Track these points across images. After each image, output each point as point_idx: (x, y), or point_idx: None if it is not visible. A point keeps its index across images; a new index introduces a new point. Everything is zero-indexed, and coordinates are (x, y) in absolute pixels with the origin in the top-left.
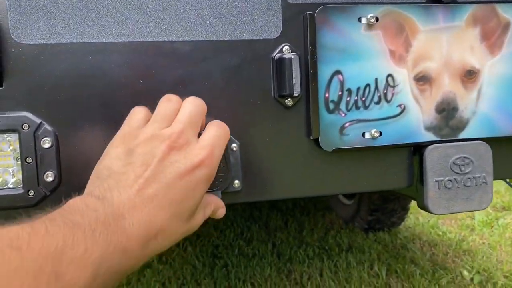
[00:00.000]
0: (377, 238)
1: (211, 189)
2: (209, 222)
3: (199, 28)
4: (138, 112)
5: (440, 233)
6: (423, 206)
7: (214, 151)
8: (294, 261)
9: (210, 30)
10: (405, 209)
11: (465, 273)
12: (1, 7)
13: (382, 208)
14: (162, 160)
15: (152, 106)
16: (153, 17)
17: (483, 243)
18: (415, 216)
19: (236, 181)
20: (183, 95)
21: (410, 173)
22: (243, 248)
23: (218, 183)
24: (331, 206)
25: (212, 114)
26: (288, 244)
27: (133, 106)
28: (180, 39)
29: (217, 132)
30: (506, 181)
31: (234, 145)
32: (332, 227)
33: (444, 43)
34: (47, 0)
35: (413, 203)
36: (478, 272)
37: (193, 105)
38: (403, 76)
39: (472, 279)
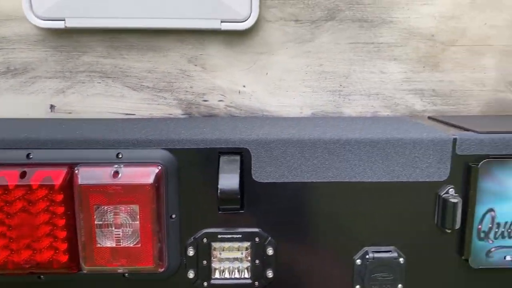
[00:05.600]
0: None
1: None
2: None
3: (384, 173)
4: None
5: None
6: None
7: None
8: None
9: (393, 174)
10: None
11: None
12: (247, 159)
13: None
14: None
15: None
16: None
17: None
18: None
19: (400, 285)
20: (367, 221)
21: None
22: None
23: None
24: None
25: (387, 235)
26: None
27: (324, 231)
28: (369, 180)
29: None
30: None
31: (401, 259)
32: None
33: None
34: (277, 154)
35: None
36: None
37: None
38: None
39: None
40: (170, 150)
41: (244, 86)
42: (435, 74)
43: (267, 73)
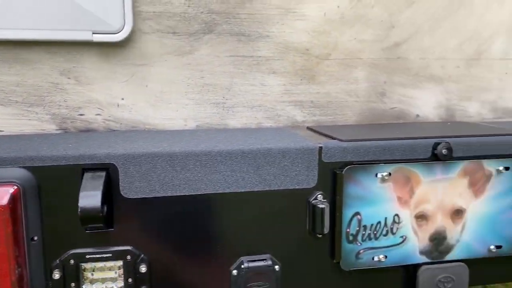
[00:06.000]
0: None
1: None
2: None
3: (257, 182)
4: None
5: None
6: None
7: None
8: None
9: (265, 183)
10: None
11: None
12: (115, 175)
13: None
14: None
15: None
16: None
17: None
18: None
19: None
20: (242, 231)
21: (408, 287)
22: None
23: None
24: None
25: (261, 244)
26: None
27: (199, 243)
28: (242, 190)
29: None
30: None
31: (277, 266)
32: None
33: (440, 190)
34: (146, 168)
35: None
36: None
37: None
38: (406, 215)
39: None
40: (28, 168)
41: (122, 99)
42: (312, 86)
43: (147, 85)
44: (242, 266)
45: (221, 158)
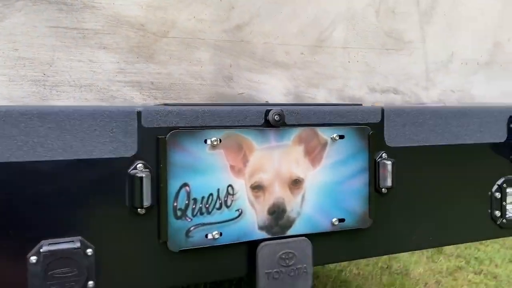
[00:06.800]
0: None
1: None
2: None
3: (60, 150)
4: None
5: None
6: None
7: None
8: None
9: (71, 151)
10: None
11: None
12: None
13: None
14: None
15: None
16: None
17: (359, 273)
18: None
19: (90, 282)
20: (43, 209)
21: (247, 265)
22: None
23: (72, 286)
24: None
25: (69, 225)
26: None
27: None
28: (42, 159)
29: None
30: None
31: (89, 250)
32: None
33: (275, 158)
34: None
35: None
36: None
37: None
38: (241, 186)
39: None
40: None
41: None
42: (151, 66)
43: None
44: (41, 250)
45: (10, 119)
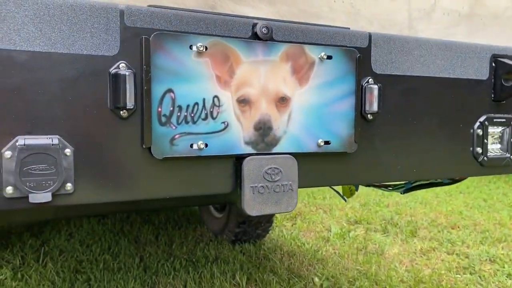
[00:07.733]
0: (243, 250)
1: (41, 191)
2: (75, 237)
3: (37, 40)
4: None
5: (299, 244)
6: (241, 209)
7: None
8: (160, 273)
9: (48, 43)
10: (270, 222)
11: (316, 279)
12: None
13: (248, 220)
14: None
15: None
16: None
17: (335, 252)
18: (279, 229)
19: (69, 184)
20: (19, 102)
21: (232, 180)
22: (109, 262)
23: (49, 186)
24: (203, 219)
25: (48, 121)
26: (157, 257)
27: None
28: (18, 49)
29: None
30: (337, 192)
31: (67, 150)
32: (202, 240)
33: (262, 73)
34: None
35: (277, 216)
36: (327, 279)
37: None
38: (227, 98)
39: (321, 285)
40: None
41: None
42: None
43: None
44: (17, 144)
45: None
